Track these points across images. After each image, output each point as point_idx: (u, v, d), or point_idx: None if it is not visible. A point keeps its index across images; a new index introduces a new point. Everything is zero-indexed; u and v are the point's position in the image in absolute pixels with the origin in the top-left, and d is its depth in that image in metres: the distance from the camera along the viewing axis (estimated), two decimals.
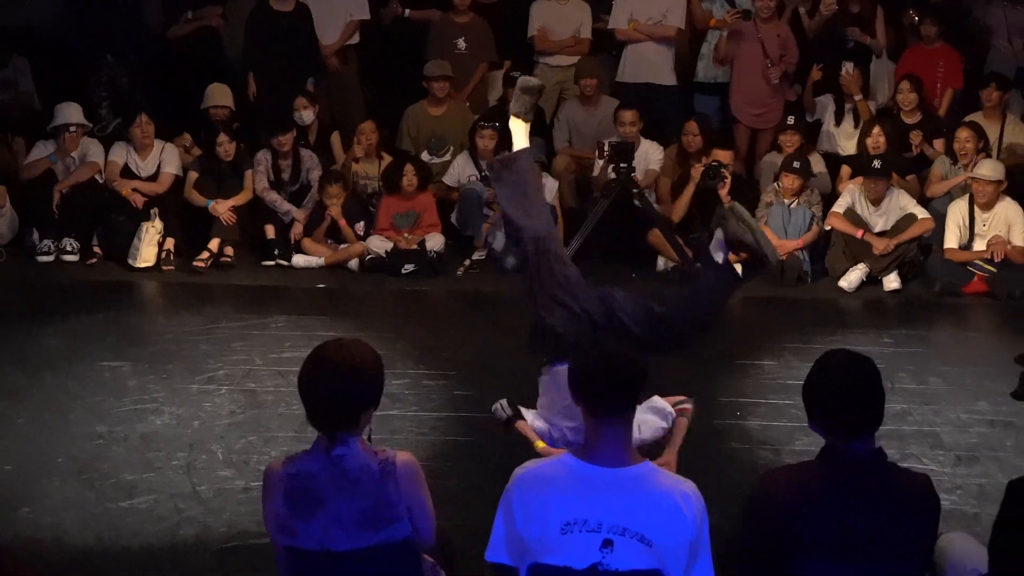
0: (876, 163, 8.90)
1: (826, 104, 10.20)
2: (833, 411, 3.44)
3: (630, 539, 3.19)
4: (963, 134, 9.21)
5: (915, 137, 9.73)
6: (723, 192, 9.03)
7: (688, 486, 3.33)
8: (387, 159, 9.66)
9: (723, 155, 9.22)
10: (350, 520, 3.37)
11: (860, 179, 9.02)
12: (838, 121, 10.08)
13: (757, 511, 3.50)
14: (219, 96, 9.93)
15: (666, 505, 3.25)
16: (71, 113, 9.52)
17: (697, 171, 9.17)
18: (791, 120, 9.65)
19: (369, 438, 3.49)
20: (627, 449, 3.32)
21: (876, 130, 9.31)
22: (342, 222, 9.24)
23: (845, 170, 9.58)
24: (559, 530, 3.21)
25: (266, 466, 3.51)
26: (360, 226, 9.32)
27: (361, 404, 3.40)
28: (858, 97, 9.90)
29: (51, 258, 9.17)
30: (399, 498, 3.39)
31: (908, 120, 9.81)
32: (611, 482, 3.25)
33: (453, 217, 9.64)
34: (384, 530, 3.38)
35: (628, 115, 9.48)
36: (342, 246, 9.26)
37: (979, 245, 8.71)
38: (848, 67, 9.95)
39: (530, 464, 3.39)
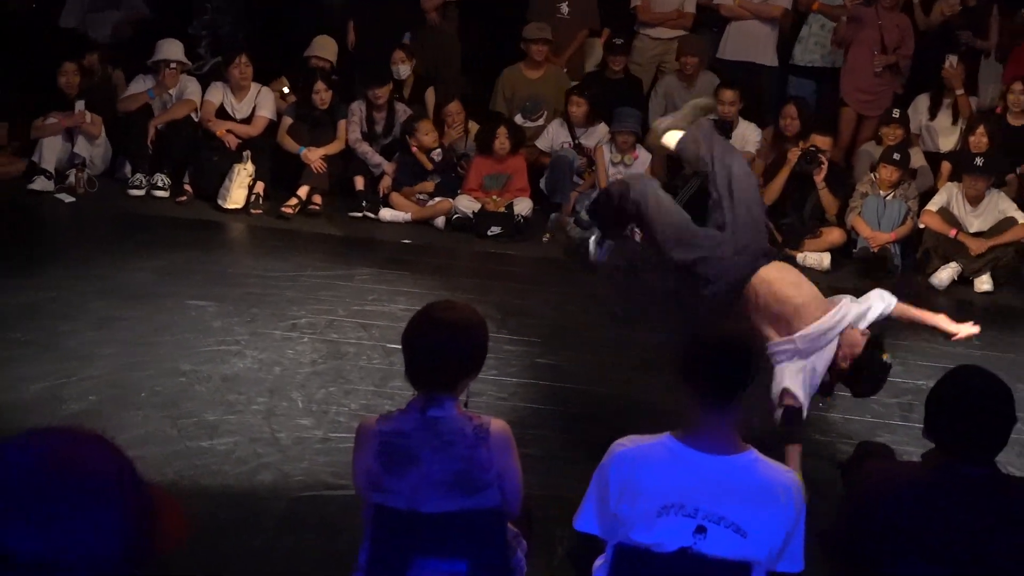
0: (978, 160, 8.72)
1: (920, 105, 9.96)
2: (958, 432, 3.28)
3: (725, 528, 3.13)
4: None
5: None
6: (818, 178, 8.95)
7: (790, 477, 3.26)
8: (474, 129, 9.61)
9: (821, 141, 9.08)
10: (441, 482, 3.34)
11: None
12: (932, 116, 9.86)
13: (857, 504, 3.42)
14: (324, 48, 9.94)
15: (767, 497, 3.19)
16: (172, 50, 9.59)
17: (793, 155, 9.04)
18: (896, 113, 9.45)
19: (465, 403, 3.47)
20: (732, 436, 3.26)
21: (980, 129, 9.08)
22: (421, 156, 9.31)
23: (945, 166, 9.39)
24: (655, 513, 3.16)
25: (359, 422, 3.49)
26: (437, 152, 9.37)
27: (463, 368, 3.37)
28: (959, 91, 9.67)
29: (142, 192, 9.25)
30: (491, 464, 3.36)
31: (1014, 122, 9.55)
32: (714, 470, 3.19)
33: (542, 182, 9.59)
34: (474, 496, 3.36)
35: (729, 94, 9.36)
36: (430, 203, 9.25)
37: None
38: (952, 60, 9.70)
39: (629, 442, 3.32)
